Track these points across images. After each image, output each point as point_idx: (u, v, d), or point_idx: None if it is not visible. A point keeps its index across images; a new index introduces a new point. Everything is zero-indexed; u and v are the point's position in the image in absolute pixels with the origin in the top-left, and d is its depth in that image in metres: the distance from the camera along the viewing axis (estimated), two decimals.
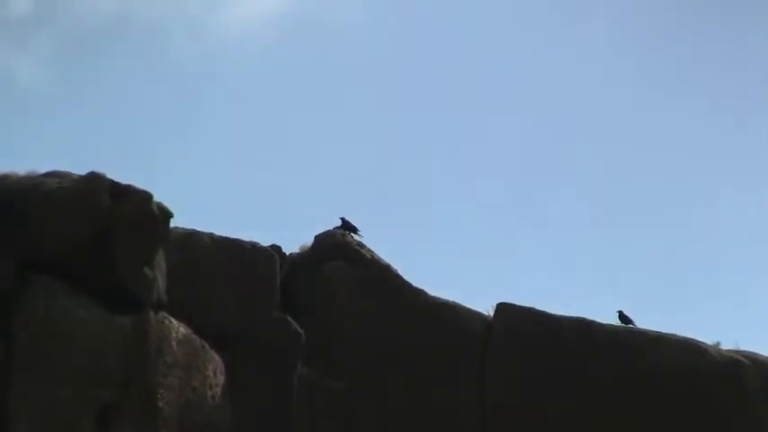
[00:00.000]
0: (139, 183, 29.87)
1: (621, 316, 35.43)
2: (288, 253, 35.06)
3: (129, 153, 66.08)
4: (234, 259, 33.01)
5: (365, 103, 76.95)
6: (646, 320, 35.82)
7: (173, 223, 30.80)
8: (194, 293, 31.52)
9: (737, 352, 35.25)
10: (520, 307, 35.09)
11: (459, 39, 77.28)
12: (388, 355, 33.76)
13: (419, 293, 34.94)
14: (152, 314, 29.18)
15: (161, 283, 30.00)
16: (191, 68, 76.03)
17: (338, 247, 35.17)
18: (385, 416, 33.15)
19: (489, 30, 76.42)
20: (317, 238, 35.64)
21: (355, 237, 35.67)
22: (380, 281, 34.73)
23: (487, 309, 35.37)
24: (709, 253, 69.78)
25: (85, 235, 28.99)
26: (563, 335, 34.48)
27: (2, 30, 74.73)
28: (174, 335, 29.48)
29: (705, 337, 35.49)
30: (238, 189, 68.31)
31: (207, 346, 30.49)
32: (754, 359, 34.95)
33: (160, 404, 28.73)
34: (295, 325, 32.92)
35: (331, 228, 35.94)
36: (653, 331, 34.99)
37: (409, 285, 35.04)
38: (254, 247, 33.58)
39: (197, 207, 57.33)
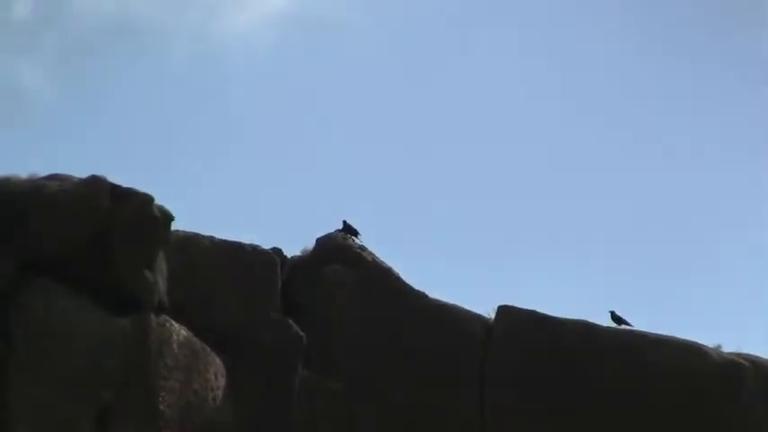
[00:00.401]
0: (140, 185, 30.02)
1: (614, 316, 35.41)
2: (289, 256, 35.12)
3: (131, 156, 66.15)
4: (234, 262, 33.06)
5: (366, 104, 76.95)
6: (647, 323, 35.84)
7: (174, 226, 30.86)
8: (195, 296, 31.57)
9: (738, 354, 35.26)
10: (521, 309, 35.11)
11: (460, 39, 77.25)
12: (388, 356, 33.79)
13: (420, 296, 34.98)
14: (153, 316, 29.24)
15: (162, 285, 30.06)
16: (192, 71, 76.03)
17: (339, 249, 35.21)
18: (385, 417, 33.18)
19: (490, 30, 76.38)
20: (318, 240, 35.69)
21: (356, 240, 35.72)
22: (381, 283, 34.76)
23: (488, 311, 35.44)
24: (711, 254, 69.69)
25: (86, 236, 29.08)
26: (563, 337, 34.50)
27: (4, 33, 74.80)
28: (174, 337, 29.53)
29: (707, 339, 35.58)
30: (240, 192, 68.31)
31: (208, 348, 30.53)
32: (754, 361, 34.96)
33: (161, 406, 28.78)
34: (296, 327, 32.96)
35: (332, 231, 36.00)
36: (653, 333, 35.00)
37: (410, 288, 35.07)
38: (254, 249, 33.63)
39: (198, 210, 57.41)
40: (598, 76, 76.77)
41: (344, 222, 36.02)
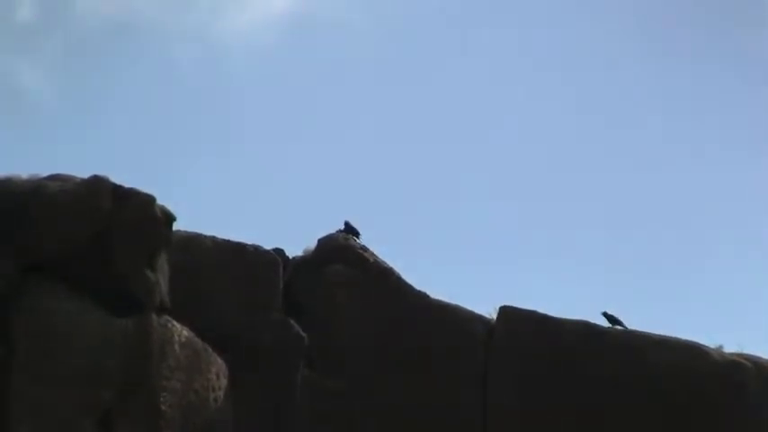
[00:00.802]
0: (142, 186, 30.04)
1: (607, 316, 35.39)
2: (291, 256, 35.14)
3: (133, 156, 66.22)
4: (236, 262, 33.08)
5: (367, 104, 77.03)
6: (648, 323, 35.84)
7: (175, 226, 30.87)
8: (197, 296, 31.58)
9: (740, 355, 35.25)
10: (522, 310, 35.13)
11: (460, 39, 77.31)
12: (389, 356, 33.80)
13: (421, 296, 34.99)
14: (154, 317, 29.24)
15: (163, 285, 30.06)
16: (193, 71, 76.12)
17: (340, 250, 35.23)
18: (385, 417, 33.18)
19: (490, 30, 76.43)
20: (319, 241, 35.71)
21: (358, 240, 35.74)
22: (382, 284, 34.78)
23: (489, 311, 35.47)
24: (712, 254, 69.72)
25: (87, 237, 29.08)
26: (564, 338, 34.50)
27: (7, 35, 74.88)
28: (176, 338, 29.52)
29: (708, 339, 35.58)
30: (241, 192, 68.38)
31: (209, 348, 30.53)
32: (755, 362, 34.95)
33: (162, 407, 28.78)
34: (297, 328, 32.97)
35: (334, 231, 36.02)
36: (654, 334, 34.99)
37: (411, 288, 35.09)
38: (256, 250, 33.66)
39: (200, 210, 57.46)
40: (598, 76, 76.86)
41: (346, 223, 36.06)
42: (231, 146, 72.55)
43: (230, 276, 32.79)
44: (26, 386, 27.71)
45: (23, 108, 72.52)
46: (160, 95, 75.24)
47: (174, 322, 29.71)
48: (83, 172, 30.09)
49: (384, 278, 34.96)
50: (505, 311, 35.12)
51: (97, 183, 29.59)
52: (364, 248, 35.39)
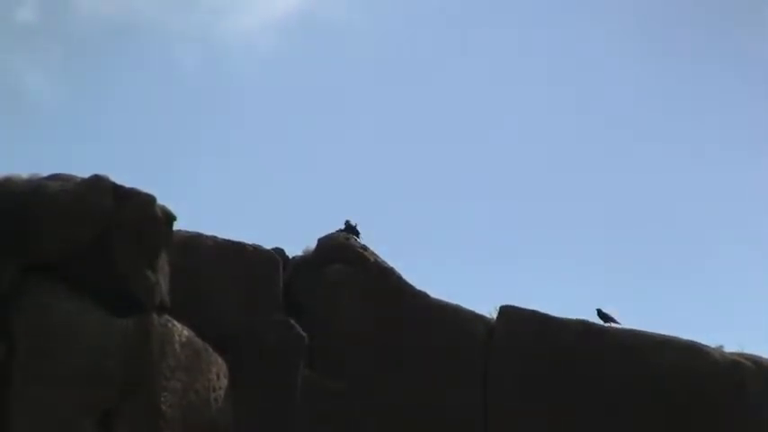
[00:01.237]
0: (142, 186, 30.04)
1: (601, 314, 35.37)
2: (291, 256, 35.14)
3: (134, 156, 66.25)
4: (236, 262, 33.10)
5: (367, 104, 77.05)
6: (648, 323, 35.87)
7: (176, 226, 30.87)
8: (197, 296, 31.60)
9: (740, 354, 35.25)
10: (522, 310, 35.13)
11: (461, 39, 77.35)
12: (389, 356, 33.81)
13: (421, 296, 35.00)
14: (155, 316, 29.23)
15: (164, 285, 30.05)
16: (194, 71, 76.17)
17: (341, 249, 35.24)
18: (385, 417, 33.18)
19: (490, 30, 76.45)
20: (320, 241, 35.71)
21: (358, 240, 35.74)
22: (383, 283, 34.78)
23: (490, 311, 35.48)
24: (713, 254, 69.73)
25: (87, 237, 29.07)
26: (565, 337, 34.51)
27: (7, 35, 74.90)
28: (176, 338, 29.51)
29: (709, 339, 35.57)
30: (242, 192, 68.42)
31: (210, 348, 30.53)
32: (756, 361, 34.96)
33: (163, 407, 28.77)
34: (298, 328, 32.97)
35: (334, 231, 36.03)
36: (655, 334, 35.00)
37: (411, 288, 35.09)
38: (256, 249, 33.67)
39: (200, 210, 57.50)
40: (598, 76, 76.87)
41: (346, 222, 36.07)
42: (231, 146, 72.64)
43: (230, 276, 32.80)
44: (26, 386, 27.71)
45: (23, 108, 72.60)
46: (160, 96, 75.34)
47: (175, 322, 29.70)
48: (83, 172, 30.14)
49: (384, 278, 34.96)
50: (506, 311, 35.13)
51: (97, 183, 29.59)
52: (364, 248, 35.39)
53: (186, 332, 29.84)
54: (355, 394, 33.31)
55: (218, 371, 30.59)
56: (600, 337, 34.71)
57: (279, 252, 34.41)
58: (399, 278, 35.19)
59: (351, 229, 35.86)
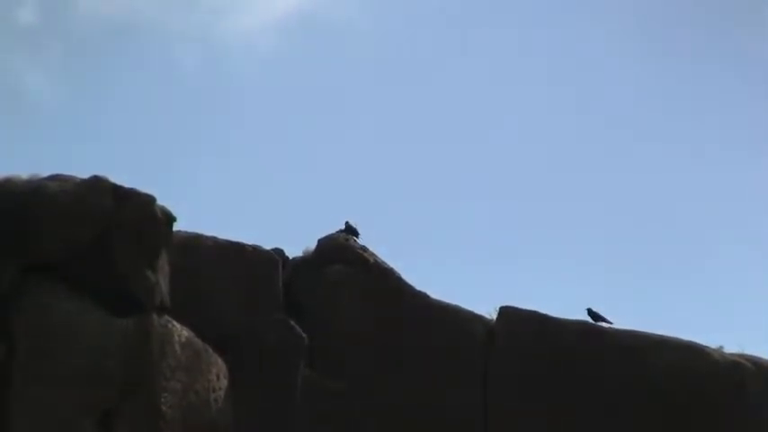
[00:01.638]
0: (142, 186, 30.05)
1: (591, 313, 35.34)
2: (291, 256, 35.15)
3: (133, 156, 66.24)
4: (236, 262, 33.11)
5: (367, 104, 77.03)
6: (648, 323, 35.88)
7: (176, 226, 30.87)
8: (197, 296, 31.60)
9: (740, 355, 35.25)
10: (522, 310, 35.14)
11: (461, 39, 77.32)
12: (388, 356, 33.81)
13: (421, 296, 35.01)
14: (155, 317, 29.23)
15: (163, 285, 30.05)
16: (194, 72, 76.16)
17: (340, 250, 35.24)
18: (385, 417, 33.18)
19: (490, 30, 76.43)
20: (319, 241, 35.73)
21: (358, 240, 35.75)
22: (382, 284, 34.79)
23: (490, 312, 35.49)
24: (713, 254, 69.70)
25: (87, 237, 29.08)
26: (565, 338, 34.51)
27: (8, 35, 74.92)
28: (176, 338, 29.51)
29: (709, 340, 35.58)
30: (242, 192, 68.40)
31: (209, 348, 30.53)
32: (756, 362, 34.95)
33: (163, 407, 28.77)
34: (297, 328, 32.98)
35: (334, 231, 36.03)
36: (654, 334, 35.00)
37: (411, 288, 35.10)
38: (256, 250, 33.68)
39: (200, 210, 57.49)
40: (598, 76, 76.84)
41: (347, 223, 36.07)
42: (231, 146, 72.59)
43: (230, 276, 32.81)
44: (26, 386, 27.70)
45: (23, 108, 72.60)
46: (161, 96, 75.31)
47: (175, 322, 29.70)
48: (83, 172, 30.14)
49: (384, 278, 34.97)
50: (505, 312, 35.13)
51: (97, 183, 29.60)
52: (364, 248, 35.41)
53: (186, 332, 29.84)
54: (355, 394, 33.32)
55: (217, 371, 30.59)
56: (600, 337, 34.71)
57: (279, 252, 34.43)
58: (399, 278, 35.20)
59: (350, 230, 35.87)
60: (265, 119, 75.11)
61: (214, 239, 33.24)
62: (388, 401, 33.42)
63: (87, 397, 27.98)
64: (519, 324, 34.85)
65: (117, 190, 29.61)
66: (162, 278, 30.00)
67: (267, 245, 34.19)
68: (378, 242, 35.97)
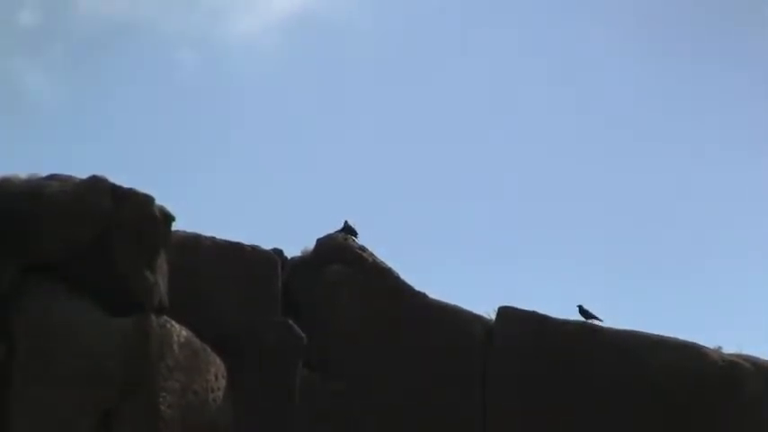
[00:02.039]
0: (142, 186, 30.05)
1: (582, 311, 35.32)
2: (289, 256, 35.16)
3: (132, 156, 66.24)
4: (235, 262, 33.10)
5: (367, 104, 76.98)
6: (647, 323, 35.88)
7: (174, 226, 30.89)
8: (196, 296, 31.59)
9: (739, 355, 35.27)
10: (521, 310, 35.14)
11: (461, 39, 77.28)
12: (388, 356, 33.82)
13: (420, 296, 35.01)
14: (153, 317, 29.25)
15: (162, 285, 30.08)
16: (194, 72, 76.17)
17: (339, 250, 35.25)
18: (385, 417, 33.20)
19: (490, 30, 76.38)
20: (318, 241, 35.73)
21: (356, 240, 35.77)
22: (381, 284, 34.78)
23: (489, 312, 35.49)
24: (711, 254, 69.71)
25: (86, 237, 29.10)
26: (564, 338, 34.52)
27: (8, 36, 74.95)
28: (175, 338, 29.53)
29: (707, 340, 35.58)
30: (240, 192, 68.38)
31: (208, 348, 30.55)
32: (754, 362, 34.96)
33: (161, 407, 28.79)
34: (297, 328, 32.99)
35: (333, 231, 36.04)
36: (653, 334, 35.01)
37: (410, 288, 35.11)
38: (255, 250, 33.66)
39: (199, 210, 57.45)
40: (598, 76, 76.77)
41: (345, 223, 36.09)
42: (230, 146, 72.54)
43: (229, 276, 32.80)
44: (26, 386, 27.72)
45: (23, 108, 72.60)
46: (160, 96, 75.26)
47: (173, 322, 29.72)
48: (83, 172, 30.16)
49: (383, 278, 34.98)
50: (504, 312, 35.13)
51: (96, 183, 29.62)
52: (363, 248, 35.41)
53: (185, 332, 29.86)
54: (354, 394, 33.33)
55: (216, 371, 30.61)
56: (598, 337, 34.71)
57: (277, 252, 34.42)
58: (398, 278, 35.21)
59: (349, 230, 35.87)
60: (264, 119, 75.13)
61: (213, 239, 33.24)
62: (387, 401, 33.44)
63: (87, 397, 28.01)
64: (518, 324, 34.86)
65: (116, 190, 29.63)
66: (161, 278, 30.03)
67: (266, 245, 34.20)
68: (377, 242, 36.02)
